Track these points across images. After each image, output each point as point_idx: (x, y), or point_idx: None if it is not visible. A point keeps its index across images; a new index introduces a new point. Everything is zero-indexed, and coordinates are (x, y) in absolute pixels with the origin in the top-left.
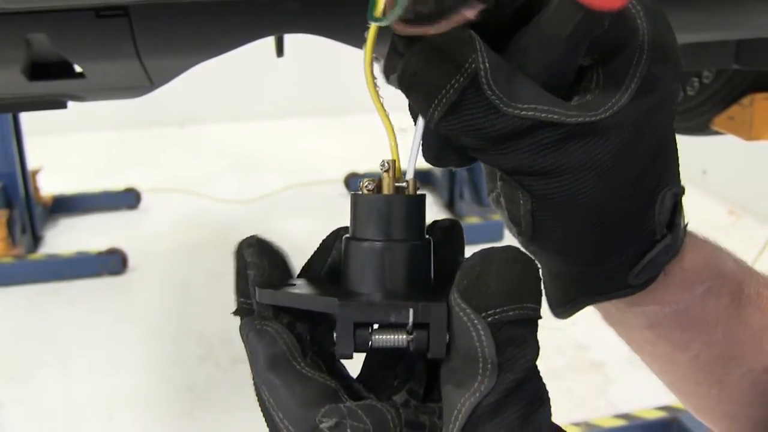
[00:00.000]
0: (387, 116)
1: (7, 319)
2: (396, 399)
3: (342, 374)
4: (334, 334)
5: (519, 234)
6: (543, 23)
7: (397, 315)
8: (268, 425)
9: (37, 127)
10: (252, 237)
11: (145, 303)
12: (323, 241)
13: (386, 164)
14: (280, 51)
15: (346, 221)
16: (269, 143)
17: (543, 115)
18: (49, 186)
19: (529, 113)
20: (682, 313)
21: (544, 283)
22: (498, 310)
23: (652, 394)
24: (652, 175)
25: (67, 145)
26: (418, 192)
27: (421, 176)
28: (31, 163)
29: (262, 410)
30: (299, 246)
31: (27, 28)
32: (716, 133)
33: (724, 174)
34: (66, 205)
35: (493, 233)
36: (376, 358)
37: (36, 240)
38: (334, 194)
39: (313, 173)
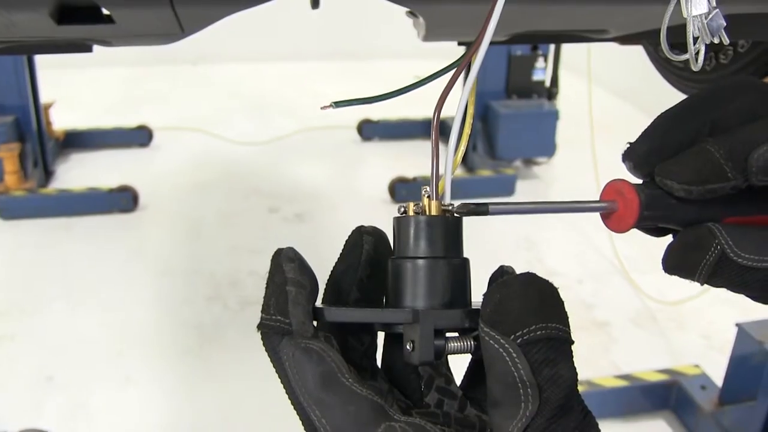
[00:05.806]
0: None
1: (19, 252)
2: (428, 400)
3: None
4: (410, 343)
5: None
6: None
7: (471, 321)
8: None
9: (51, 62)
10: (290, 250)
11: (155, 241)
12: (349, 240)
13: (427, 190)
14: (315, 2)
15: (357, 167)
16: (282, 85)
17: None
18: (61, 120)
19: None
20: None
21: None
22: (525, 330)
23: (654, 357)
24: None
25: (80, 81)
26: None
27: None
28: (43, 97)
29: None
30: (310, 191)
31: None
32: None
33: None
34: (78, 141)
35: (505, 186)
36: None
37: (47, 174)
38: (346, 140)
39: (326, 118)
